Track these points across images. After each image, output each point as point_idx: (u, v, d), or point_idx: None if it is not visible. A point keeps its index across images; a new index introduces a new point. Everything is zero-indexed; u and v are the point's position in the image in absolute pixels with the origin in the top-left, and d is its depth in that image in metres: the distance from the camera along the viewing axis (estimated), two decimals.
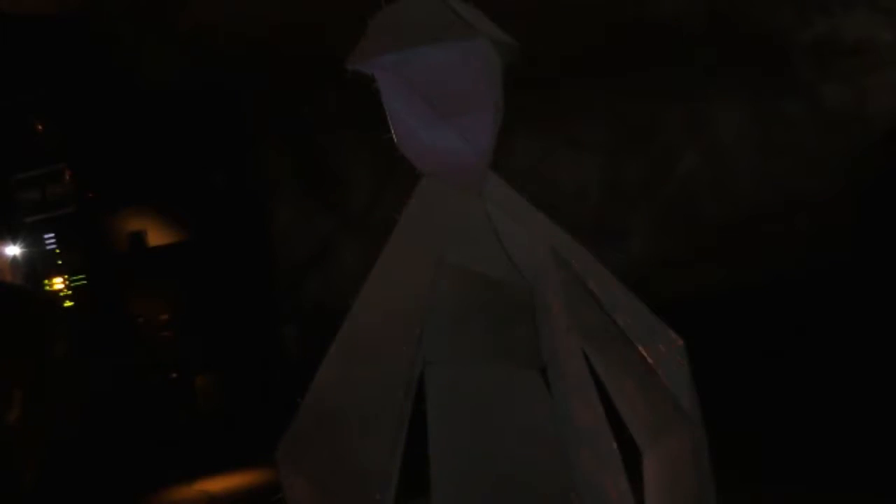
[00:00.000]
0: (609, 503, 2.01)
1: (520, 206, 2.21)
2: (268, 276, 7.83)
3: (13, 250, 7.05)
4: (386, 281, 2.03)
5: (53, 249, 7.32)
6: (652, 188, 7.04)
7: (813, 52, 6.61)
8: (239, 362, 7.30)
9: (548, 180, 6.73)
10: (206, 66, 7.21)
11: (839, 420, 4.69)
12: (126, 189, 7.40)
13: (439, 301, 1.99)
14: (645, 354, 2.18)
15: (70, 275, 7.28)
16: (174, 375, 7.38)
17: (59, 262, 7.30)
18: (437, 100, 2.03)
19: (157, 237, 7.65)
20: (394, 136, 2.09)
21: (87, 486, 4.96)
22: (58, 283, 7.27)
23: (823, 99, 6.71)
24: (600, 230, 6.70)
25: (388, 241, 2.08)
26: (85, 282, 7.28)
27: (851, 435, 4.52)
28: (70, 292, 7.26)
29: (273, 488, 1.89)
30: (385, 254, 2.07)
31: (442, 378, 1.97)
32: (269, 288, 7.81)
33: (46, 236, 7.31)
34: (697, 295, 6.07)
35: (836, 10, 6.46)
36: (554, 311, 2.08)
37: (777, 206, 6.77)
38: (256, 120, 7.79)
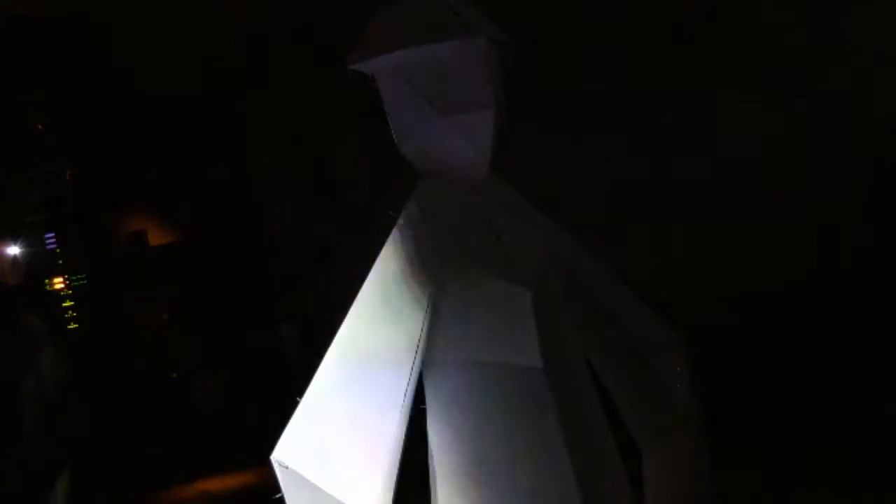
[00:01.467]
0: (609, 503, 2.01)
1: (520, 206, 2.21)
2: (268, 276, 7.83)
3: (13, 250, 7.05)
4: (385, 281, 2.03)
5: (53, 249, 7.32)
6: (652, 188, 7.03)
7: (813, 53, 6.60)
8: (239, 362, 7.30)
9: (548, 180, 6.71)
10: (205, 65, 7.21)
11: (839, 420, 4.69)
12: (126, 189, 7.41)
13: (439, 301, 1.99)
14: (644, 354, 2.18)
15: (70, 275, 7.28)
16: (174, 375, 7.38)
17: (60, 262, 7.30)
18: (437, 99, 2.03)
19: (157, 237, 7.65)
20: (394, 136, 2.09)
21: (87, 485, 4.96)
22: (58, 283, 7.27)
23: (823, 99, 6.70)
24: (600, 230, 6.68)
25: (388, 241, 2.08)
26: (85, 282, 7.28)
27: (851, 435, 4.52)
28: (70, 292, 7.26)
29: (273, 488, 1.88)
30: (384, 254, 2.07)
31: (442, 378, 1.98)
32: (269, 288, 7.81)
33: (46, 236, 7.30)
34: (697, 295, 6.06)
35: (836, 11, 6.45)
36: (554, 311, 2.08)
37: (777, 206, 6.76)
38: (256, 120, 7.79)
